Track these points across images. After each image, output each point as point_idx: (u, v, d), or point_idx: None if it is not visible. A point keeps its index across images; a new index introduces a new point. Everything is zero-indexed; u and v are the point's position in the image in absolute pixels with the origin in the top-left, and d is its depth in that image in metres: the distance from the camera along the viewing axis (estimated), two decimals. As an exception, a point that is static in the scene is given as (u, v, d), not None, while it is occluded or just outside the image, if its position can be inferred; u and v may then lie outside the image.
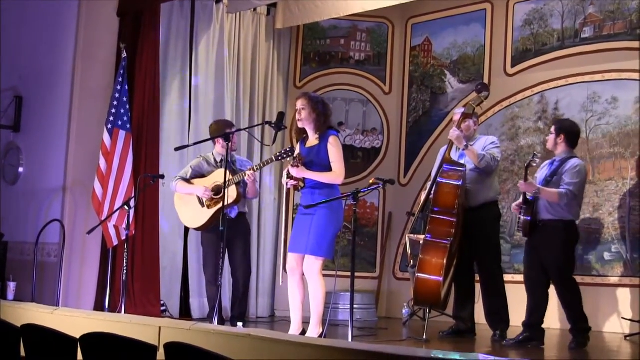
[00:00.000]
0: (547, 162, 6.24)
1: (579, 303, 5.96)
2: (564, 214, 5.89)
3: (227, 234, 6.35)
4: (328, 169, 5.74)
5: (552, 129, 6.16)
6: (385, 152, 9.27)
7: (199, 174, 6.85)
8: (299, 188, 5.84)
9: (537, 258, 6.03)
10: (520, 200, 6.06)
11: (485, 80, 8.36)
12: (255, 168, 6.55)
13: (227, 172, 6.02)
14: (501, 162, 6.98)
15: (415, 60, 9.20)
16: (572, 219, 5.94)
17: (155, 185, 7.48)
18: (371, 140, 9.29)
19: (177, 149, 6.95)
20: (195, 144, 7.20)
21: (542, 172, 6.15)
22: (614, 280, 7.34)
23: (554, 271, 5.93)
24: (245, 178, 6.47)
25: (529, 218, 5.94)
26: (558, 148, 6.08)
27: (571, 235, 5.99)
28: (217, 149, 6.82)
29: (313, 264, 5.67)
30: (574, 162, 5.97)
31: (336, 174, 5.74)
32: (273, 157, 6.37)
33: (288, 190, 8.75)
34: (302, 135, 5.95)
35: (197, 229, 6.88)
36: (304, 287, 5.84)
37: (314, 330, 5.72)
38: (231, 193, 6.47)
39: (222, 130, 6.58)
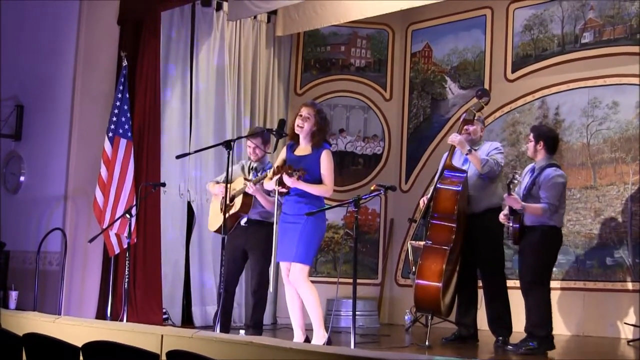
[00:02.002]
0: (529, 167, 6.20)
1: (547, 308, 5.91)
2: (545, 221, 5.87)
3: (243, 242, 6.35)
4: (317, 181, 5.72)
5: (531, 136, 6.10)
6: (386, 158, 9.26)
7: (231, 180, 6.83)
8: (283, 194, 5.81)
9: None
10: (507, 210, 6.04)
11: (486, 86, 8.37)
12: (254, 180, 6.40)
13: (228, 184, 5.96)
14: (502, 168, 6.96)
15: (416, 67, 9.20)
16: (553, 224, 5.91)
17: (157, 193, 7.47)
18: (372, 147, 9.28)
19: (178, 157, 6.93)
20: (196, 151, 7.21)
21: (525, 179, 6.11)
22: (616, 285, 7.33)
23: (525, 273, 5.93)
24: (247, 190, 6.39)
25: (517, 226, 5.93)
26: (538, 155, 6.04)
27: (551, 240, 5.96)
28: (250, 155, 6.75)
29: (301, 272, 5.68)
30: (547, 173, 5.91)
31: (326, 188, 5.74)
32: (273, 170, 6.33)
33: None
34: (294, 139, 5.89)
35: (215, 232, 6.83)
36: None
37: (319, 335, 5.70)
38: (237, 202, 6.45)
39: (258, 135, 6.57)
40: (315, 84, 9.29)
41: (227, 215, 6.13)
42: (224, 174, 6.80)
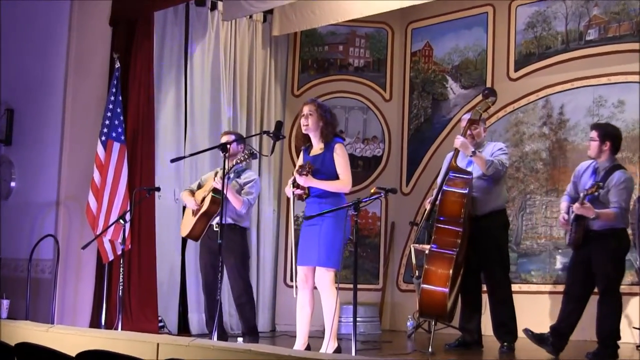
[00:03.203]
0: (588, 165, 6.13)
1: (618, 318, 5.91)
2: (615, 224, 5.84)
3: (216, 247, 6.35)
4: (334, 177, 5.71)
5: (594, 134, 6.00)
6: (386, 160, 9.26)
7: (201, 185, 6.90)
8: (304, 198, 5.79)
9: (582, 273, 5.95)
10: (565, 214, 6.00)
11: (488, 85, 8.36)
12: (219, 175, 6.42)
13: (225, 186, 5.97)
14: (507, 169, 6.94)
15: (416, 66, 9.20)
16: (622, 227, 5.90)
17: (151, 198, 7.46)
18: (372, 149, 9.28)
19: (173, 161, 6.92)
20: (191, 155, 7.20)
21: (585, 179, 6.05)
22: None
23: (602, 280, 5.87)
24: (214, 184, 6.44)
25: (577, 231, 5.88)
26: (602, 156, 5.97)
27: (622, 243, 5.94)
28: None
29: (324, 276, 5.62)
30: (619, 177, 5.84)
31: (343, 182, 5.71)
32: (240, 158, 6.35)
33: (288, 199, 8.73)
34: (305, 142, 5.92)
35: (185, 237, 6.93)
36: (313, 301, 5.80)
37: (330, 345, 5.66)
38: (206, 200, 6.55)
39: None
40: (312, 85, 9.29)
41: (210, 221, 6.33)
42: (197, 182, 6.90)
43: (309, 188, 5.75)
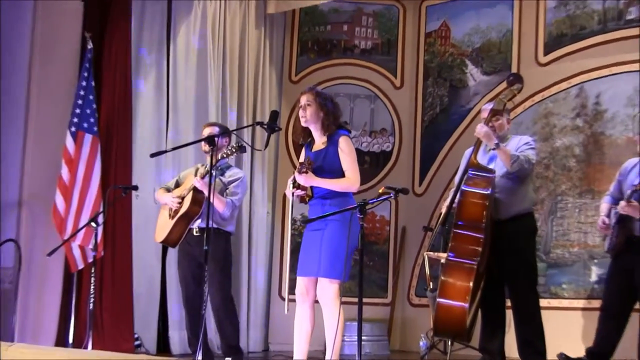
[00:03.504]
0: (637, 162, 6.17)
1: None
2: None
3: (198, 254, 6.33)
4: (340, 175, 5.67)
5: None
6: (396, 156, 9.27)
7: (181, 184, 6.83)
8: (307, 200, 5.74)
9: (622, 285, 5.96)
10: (605, 216, 5.94)
11: (514, 71, 8.36)
12: (201, 172, 6.45)
13: (211, 185, 5.89)
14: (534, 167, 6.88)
15: (431, 49, 9.21)
16: None
17: (127, 198, 7.44)
18: (380, 143, 9.29)
19: (153, 155, 6.78)
20: (174, 148, 7.10)
21: (632, 177, 6.06)
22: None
23: None
24: (194, 183, 6.44)
25: (619, 235, 5.87)
26: None
27: None
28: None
29: (327, 288, 5.57)
30: None
31: (350, 180, 5.66)
32: (226, 152, 6.29)
33: (285, 200, 8.68)
34: (306, 137, 5.89)
35: (161, 243, 6.90)
36: (313, 317, 5.75)
37: (332, 365, 5.63)
38: (186, 200, 6.52)
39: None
40: (313, 70, 9.34)
41: (190, 224, 6.38)
42: (175, 179, 6.85)
43: (311, 188, 5.72)
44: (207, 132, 6.61)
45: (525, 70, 8.32)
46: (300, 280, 5.74)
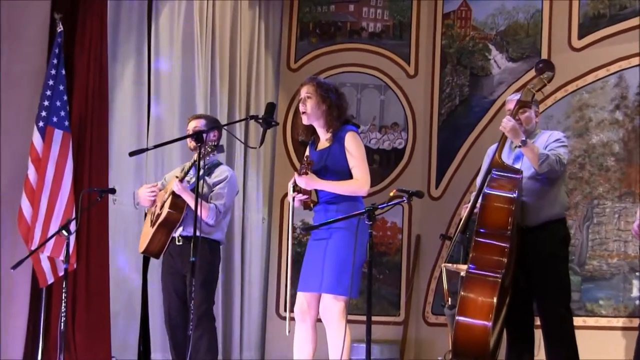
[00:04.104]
0: None
1: None
2: None
3: (180, 266, 6.35)
4: (346, 176, 5.68)
5: None
6: (410, 154, 9.28)
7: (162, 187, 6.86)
8: (311, 206, 5.76)
9: None
10: None
11: (544, 57, 8.36)
12: (180, 175, 6.46)
13: (200, 187, 5.90)
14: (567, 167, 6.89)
15: (450, 32, 9.21)
16: None
17: (104, 202, 7.45)
18: (391, 140, 9.31)
19: (132, 154, 6.77)
20: (156, 146, 7.08)
21: None
22: None
23: None
24: (173, 187, 6.43)
25: None
26: None
27: None
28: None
29: (332, 306, 5.59)
30: None
31: (358, 183, 5.67)
32: (203, 152, 6.22)
33: (284, 204, 8.70)
34: (309, 135, 5.91)
35: (143, 253, 6.88)
36: (316, 338, 5.78)
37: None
38: (166, 205, 6.48)
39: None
40: (314, 56, 9.35)
41: (172, 233, 6.42)
42: (161, 181, 6.85)
43: (316, 193, 5.73)
44: (192, 125, 6.62)
45: (556, 56, 8.32)
46: (301, 296, 5.76)
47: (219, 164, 6.85)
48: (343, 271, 5.55)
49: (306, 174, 5.59)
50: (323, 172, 5.68)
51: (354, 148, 5.70)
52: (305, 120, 5.79)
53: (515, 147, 6.30)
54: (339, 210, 5.63)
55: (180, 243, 6.52)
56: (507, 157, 6.39)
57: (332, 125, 5.76)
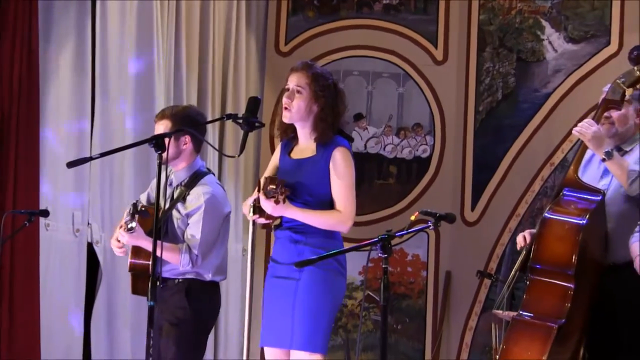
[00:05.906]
0: None
1: None
2: None
3: (158, 315, 6.31)
4: (324, 202, 5.71)
5: None
6: (437, 165, 9.31)
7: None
8: (272, 227, 5.84)
9: None
10: None
11: (615, 38, 8.42)
12: (124, 223, 6.30)
13: (160, 202, 5.88)
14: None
15: (490, 3, 9.24)
16: None
17: (34, 227, 7.49)
18: (413, 146, 9.36)
19: (70, 165, 6.77)
20: (103, 154, 7.08)
21: None
22: None
23: None
24: (120, 238, 6.32)
25: None
26: None
27: None
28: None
29: None
30: None
31: (341, 217, 5.70)
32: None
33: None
34: (289, 132, 5.91)
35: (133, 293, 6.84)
36: None
37: None
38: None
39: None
40: (310, 36, 9.42)
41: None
42: (147, 191, 6.79)
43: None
44: (160, 128, 6.48)
45: (630, 35, 8.38)
46: (269, 353, 5.90)
47: (204, 174, 6.53)
48: (317, 324, 5.64)
49: (277, 202, 5.56)
50: (294, 190, 5.67)
51: (342, 171, 5.70)
52: (286, 118, 5.78)
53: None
54: (308, 243, 5.68)
55: (161, 286, 6.40)
56: (596, 169, 6.34)
57: (322, 134, 5.75)
